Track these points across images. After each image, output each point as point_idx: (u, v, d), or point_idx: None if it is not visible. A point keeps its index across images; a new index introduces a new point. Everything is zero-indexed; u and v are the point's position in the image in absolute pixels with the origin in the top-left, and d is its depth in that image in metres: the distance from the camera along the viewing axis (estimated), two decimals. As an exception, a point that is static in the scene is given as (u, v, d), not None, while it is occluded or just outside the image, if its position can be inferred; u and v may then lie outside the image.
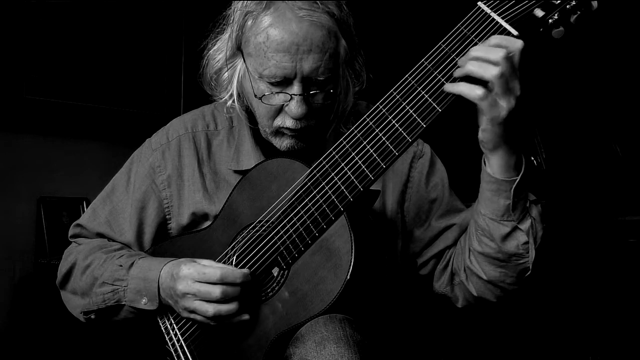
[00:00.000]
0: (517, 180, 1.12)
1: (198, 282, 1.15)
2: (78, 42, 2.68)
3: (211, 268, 1.15)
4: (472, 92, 1.02)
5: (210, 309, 1.14)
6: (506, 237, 1.17)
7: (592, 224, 2.57)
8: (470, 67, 1.02)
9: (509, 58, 1.01)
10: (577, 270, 2.52)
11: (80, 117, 2.71)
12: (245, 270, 1.17)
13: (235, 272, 1.15)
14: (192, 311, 1.17)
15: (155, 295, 1.22)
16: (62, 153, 2.71)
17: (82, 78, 2.71)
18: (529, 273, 1.21)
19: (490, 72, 1.01)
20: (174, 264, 1.21)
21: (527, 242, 1.17)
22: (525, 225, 1.17)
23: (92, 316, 1.31)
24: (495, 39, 1.03)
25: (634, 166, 2.67)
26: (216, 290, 1.13)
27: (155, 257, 1.29)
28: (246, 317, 1.16)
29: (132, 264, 1.26)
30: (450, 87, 1.05)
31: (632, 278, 2.42)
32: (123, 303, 1.26)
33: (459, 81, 1.05)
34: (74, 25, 2.66)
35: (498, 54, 1.00)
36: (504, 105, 1.04)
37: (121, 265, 1.27)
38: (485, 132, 1.09)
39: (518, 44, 1.02)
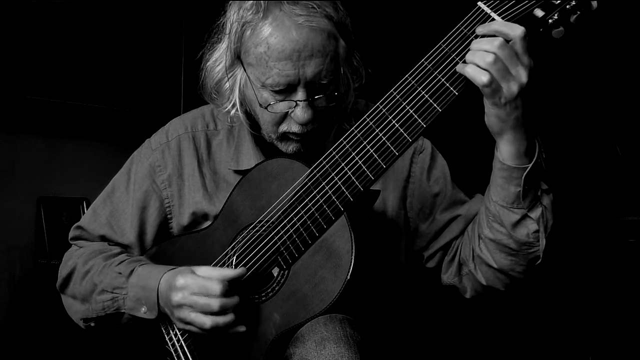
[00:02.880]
0: (529, 168, 1.12)
1: (195, 294, 1.14)
2: (78, 42, 2.68)
3: (211, 282, 1.14)
4: (478, 76, 1.03)
5: (208, 321, 1.14)
6: (516, 224, 1.17)
7: (592, 224, 2.57)
8: (470, 56, 1.04)
9: (505, 45, 1.02)
10: (577, 270, 2.52)
11: (80, 117, 2.71)
12: (241, 270, 1.16)
13: (232, 285, 1.15)
14: (189, 323, 1.16)
15: (154, 304, 1.21)
16: (62, 153, 2.70)
17: (82, 78, 2.71)
18: (539, 262, 1.21)
19: (485, 60, 1.02)
20: (172, 273, 1.20)
21: (537, 231, 1.17)
22: (536, 213, 1.16)
23: (92, 324, 1.31)
24: (496, 24, 1.03)
25: (634, 166, 2.67)
26: (215, 304, 1.13)
27: (155, 265, 1.27)
28: (242, 329, 1.16)
29: (132, 271, 1.25)
30: (460, 68, 1.05)
31: (632, 278, 2.42)
32: (122, 311, 1.25)
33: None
34: (74, 25, 2.66)
35: (491, 43, 1.02)
36: (504, 91, 1.04)
37: (120, 273, 1.26)
38: (488, 116, 1.10)
39: (518, 31, 1.02)
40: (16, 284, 2.53)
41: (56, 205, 2.66)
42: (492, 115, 1.09)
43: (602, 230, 2.54)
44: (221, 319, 1.14)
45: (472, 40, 1.05)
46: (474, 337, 2.45)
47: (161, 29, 2.99)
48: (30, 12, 2.51)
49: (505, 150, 1.12)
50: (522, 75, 1.04)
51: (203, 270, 1.18)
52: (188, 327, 1.18)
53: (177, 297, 1.16)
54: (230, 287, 1.15)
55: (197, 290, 1.14)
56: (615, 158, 2.71)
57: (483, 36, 1.05)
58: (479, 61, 1.02)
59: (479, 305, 1.36)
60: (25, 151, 2.58)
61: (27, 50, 2.52)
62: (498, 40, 1.02)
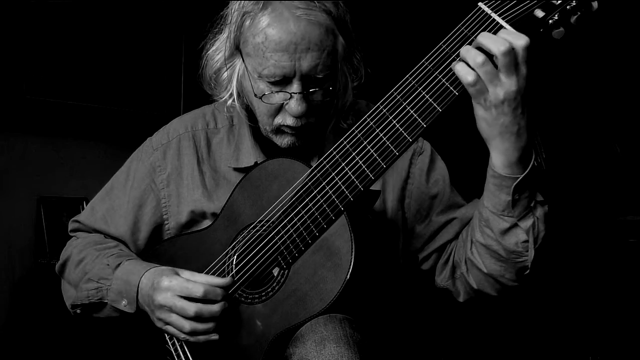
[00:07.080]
0: (519, 179, 1.11)
1: (177, 296, 1.15)
2: (78, 42, 2.68)
3: (194, 283, 1.16)
4: (465, 75, 1.02)
5: (187, 325, 1.15)
6: (505, 232, 1.17)
7: (592, 224, 2.57)
8: (464, 52, 1.03)
9: (508, 52, 1.00)
10: (577, 270, 2.52)
11: (80, 117, 2.71)
12: (227, 280, 1.17)
13: (217, 290, 1.16)
14: (168, 324, 1.18)
15: (134, 300, 1.23)
16: (62, 153, 2.70)
17: (82, 78, 2.71)
18: (527, 272, 1.21)
19: (475, 60, 1.01)
20: (155, 272, 1.22)
21: (526, 241, 1.17)
22: (526, 223, 1.16)
23: (78, 311, 1.33)
24: (503, 33, 1.02)
25: (634, 166, 2.67)
26: (191, 309, 1.14)
27: (141, 262, 1.30)
28: (215, 337, 1.17)
29: (119, 264, 1.27)
30: (453, 65, 1.04)
31: (632, 278, 2.42)
32: (105, 301, 1.28)
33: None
34: (74, 25, 2.66)
35: (498, 45, 0.99)
36: (490, 94, 1.03)
37: (108, 265, 1.29)
38: (477, 118, 1.09)
39: (522, 41, 1.00)
40: (16, 284, 2.53)
41: (56, 205, 2.66)
42: (479, 117, 1.08)
43: (602, 230, 2.54)
44: (201, 326, 1.15)
45: (472, 41, 1.05)
46: (474, 337, 2.45)
47: (161, 28, 2.99)
48: (30, 12, 2.51)
49: (497, 158, 1.11)
50: (512, 83, 1.02)
51: (187, 274, 1.19)
52: (166, 328, 1.19)
53: (160, 297, 1.17)
54: (215, 294, 1.16)
55: (180, 292, 1.16)
56: (615, 158, 2.71)
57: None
58: (470, 60, 1.01)
59: (478, 305, 1.36)
60: (25, 151, 2.58)
61: (27, 50, 2.51)
62: (506, 45, 0.99)
